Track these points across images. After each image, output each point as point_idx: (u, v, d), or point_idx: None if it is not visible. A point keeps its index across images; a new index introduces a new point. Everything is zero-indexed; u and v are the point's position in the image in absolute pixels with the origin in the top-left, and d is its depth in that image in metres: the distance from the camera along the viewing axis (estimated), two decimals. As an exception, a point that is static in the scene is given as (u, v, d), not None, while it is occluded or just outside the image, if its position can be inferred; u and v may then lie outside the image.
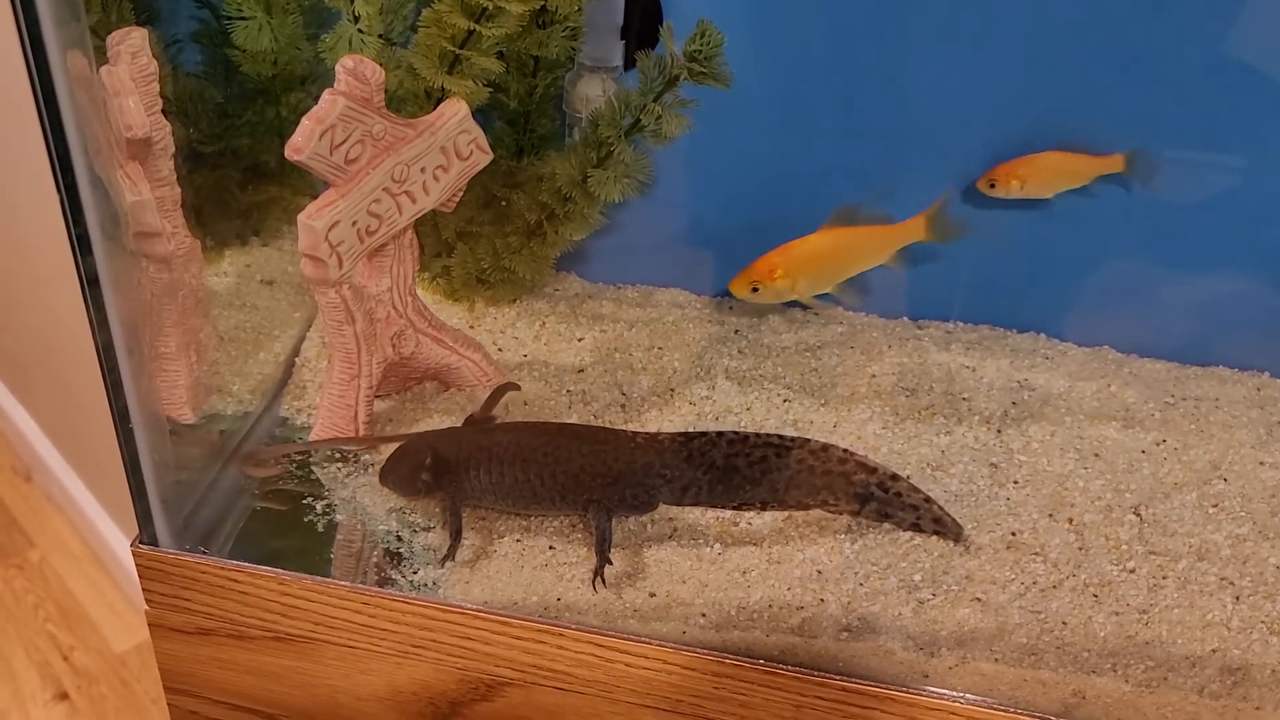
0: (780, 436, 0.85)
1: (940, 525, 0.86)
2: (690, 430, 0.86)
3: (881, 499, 0.86)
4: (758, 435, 0.85)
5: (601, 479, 0.84)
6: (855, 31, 0.99)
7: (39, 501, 2.25)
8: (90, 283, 0.75)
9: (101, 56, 0.85)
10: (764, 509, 0.88)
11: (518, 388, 0.98)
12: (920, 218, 1.03)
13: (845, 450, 0.86)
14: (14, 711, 1.90)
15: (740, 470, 0.85)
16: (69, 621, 2.03)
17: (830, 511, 0.88)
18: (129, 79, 0.84)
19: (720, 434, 0.85)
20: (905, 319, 1.13)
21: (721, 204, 1.11)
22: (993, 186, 1.01)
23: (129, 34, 0.84)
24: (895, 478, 0.86)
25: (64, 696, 1.92)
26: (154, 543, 0.87)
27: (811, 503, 0.87)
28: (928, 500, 0.86)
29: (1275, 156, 0.98)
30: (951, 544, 0.86)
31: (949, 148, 1.03)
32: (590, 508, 0.85)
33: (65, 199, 0.72)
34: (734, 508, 0.87)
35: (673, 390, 1.01)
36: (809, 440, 0.86)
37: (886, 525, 0.88)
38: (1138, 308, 1.07)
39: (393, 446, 0.91)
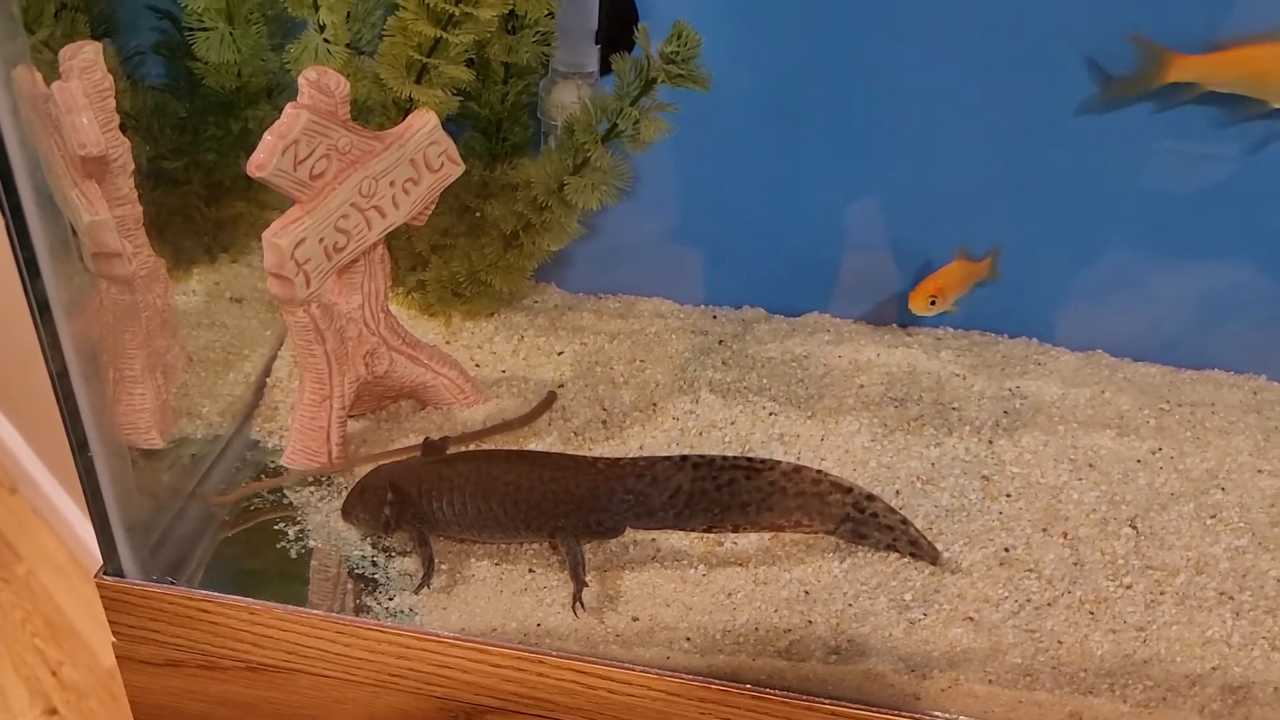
0: (749, 459, 0.84)
1: (916, 548, 0.84)
2: (654, 455, 0.85)
3: (857, 519, 0.84)
4: (724, 458, 0.84)
5: (565, 506, 0.83)
6: (841, 30, 0.97)
7: (25, 515, 2.23)
8: (41, 308, 0.72)
9: (55, 71, 0.82)
10: (736, 531, 0.86)
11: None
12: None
13: (819, 471, 0.84)
14: (3, 727, 1.88)
15: (708, 493, 0.83)
16: (57, 636, 2.01)
17: (805, 533, 0.86)
18: (82, 95, 0.81)
19: (685, 457, 0.83)
20: (894, 325, 1.11)
21: (705, 210, 1.09)
22: (933, 304, 1.01)
23: (81, 48, 0.82)
24: (871, 498, 0.84)
25: (53, 712, 1.91)
26: (119, 574, 0.84)
27: (785, 524, 0.85)
28: (905, 522, 0.84)
29: (1268, 153, 0.95)
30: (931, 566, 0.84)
31: (939, 150, 1.00)
32: (557, 534, 0.84)
33: (11, 223, 0.69)
34: (704, 530, 0.85)
35: (655, 405, 0.99)
36: (779, 462, 0.84)
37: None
38: (1131, 310, 1.05)
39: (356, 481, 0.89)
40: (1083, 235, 1.02)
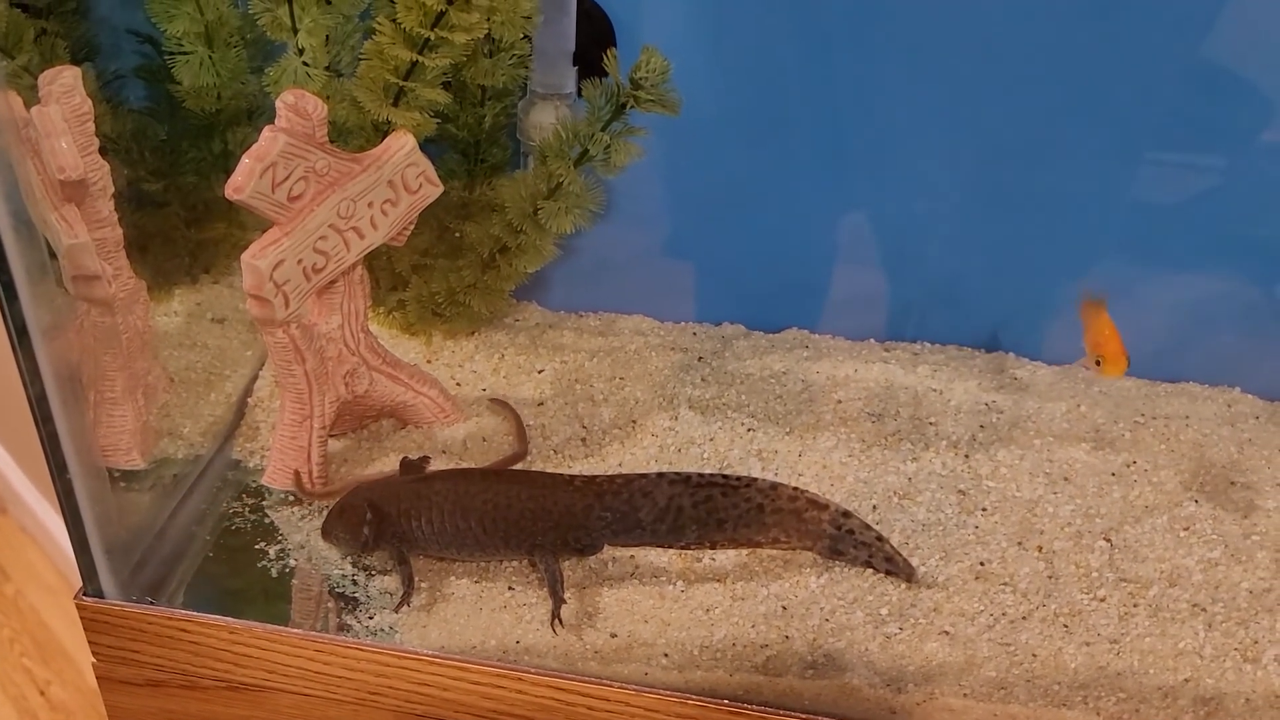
0: (725, 476, 0.85)
1: (892, 564, 0.85)
2: (632, 472, 0.85)
3: (833, 536, 0.85)
4: (700, 475, 0.84)
5: (542, 523, 0.84)
6: (821, 51, 0.98)
7: (13, 533, 2.23)
8: (19, 332, 0.73)
9: (35, 96, 0.83)
10: (714, 548, 0.86)
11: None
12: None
13: (795, 488, 0.85)
14: (-9, 748, 1.87)
15: (684, 510, 0.84)
16: (45, 655, 2.00)
17: (782, 549, 0.87)
18: (60, 120, 0.81)
19: (661, 474, 0.84)
20: (872, 341, 1.11)
21: (685, 227, 1.10)
22: (1098, 364, 0.92)
23: (60, 73, 0.82)
24: (847, 515, 0.85)
25: (41, 731, 1.90)
26: (99, 595, 0.85)
27: (762, 541, 0.86)
28: (880, 539, 0.85)
29: (1243, 171, 0.96)
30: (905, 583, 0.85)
31: (917, 166, 1.01)
32: (535, 552, 0.84)
33: (-14, 248, 0.69)
34: (682, 547, 0.86)
35: (635, 422, 0.99)
36: (756, 479, 0.85)
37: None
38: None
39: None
40: (1060, 250, 1.03)
